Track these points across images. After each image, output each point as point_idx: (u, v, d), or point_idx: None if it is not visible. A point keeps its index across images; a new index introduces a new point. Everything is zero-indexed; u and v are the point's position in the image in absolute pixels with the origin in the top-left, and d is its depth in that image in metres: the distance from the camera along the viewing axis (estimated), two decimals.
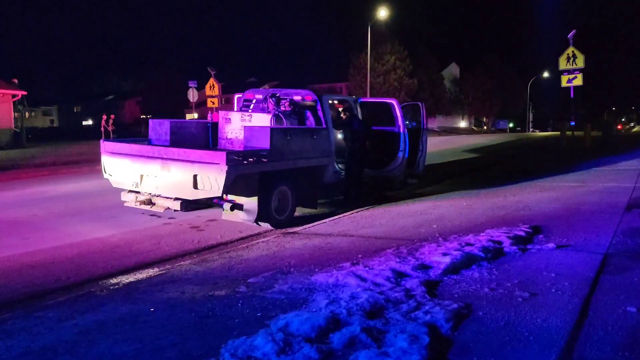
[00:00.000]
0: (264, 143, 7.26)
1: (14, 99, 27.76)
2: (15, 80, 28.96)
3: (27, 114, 40.95)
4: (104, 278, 5.24)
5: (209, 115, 23.08)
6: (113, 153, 8.03)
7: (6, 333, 3.66)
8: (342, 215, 8.10)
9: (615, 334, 3.33)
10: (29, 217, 8.38)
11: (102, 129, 30.65)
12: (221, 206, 7.28)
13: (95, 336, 3.56)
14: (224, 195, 7.00)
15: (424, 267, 4.83)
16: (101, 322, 3.83)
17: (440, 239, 6.07)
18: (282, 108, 8.72)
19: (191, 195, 6.97)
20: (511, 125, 77.65)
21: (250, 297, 4.28)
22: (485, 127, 74.81)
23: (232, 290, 4.49)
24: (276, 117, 8.44)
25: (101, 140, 8.39)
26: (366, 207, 8.64)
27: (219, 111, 9.71)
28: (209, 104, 25.48)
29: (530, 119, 74.94)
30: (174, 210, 7.37)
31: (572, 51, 19.69)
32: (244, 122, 8.54)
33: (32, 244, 6.65)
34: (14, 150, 24.57)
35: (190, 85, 25.94)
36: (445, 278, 4.58)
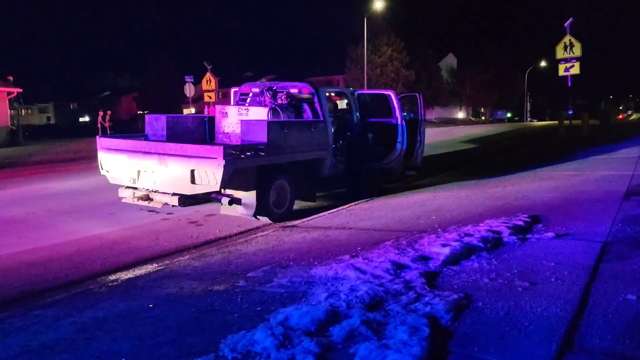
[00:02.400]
0: (261, 137, 7.23)
1: (10, 97, 27.64)
2: (11, 78, 28.83)
3: (23, 112, 40.83)
4: (102, 275, 5.22)
5: (206, 109, 23.08)
6: (110, 149, 8.00)
7: (4, 332, 3.64)
8: (340, 208, 8.09)
9: (616, 322, 3.33)
10: (27, 215, 8.35)
11: (99, 125, 30.59)
12: (219, 201, 7.26)
13: (94, 333, 3.55)
14: (222, 190, 6.98)
15: (423, 259, 4.82)
16: (100, 319, 3.81)
17: (439, 230, 6.06)
18: (279, 101, 8.68)
19: (189, 190, 6.94)
20: (509, 115, 77.57)
21: (250, 291, 4.27)
22: (483, 118, 74.75)
23: (231, 284, 4.48)
24: (273, 111, 8.39)
25: (97, 137, 8.35)
26: (365, 200, 8.62)
27: (216, 105, 9.66)
28: (206, 99, 25.45)
29: (528, 109, 74.93)
30: (172, 206, 7.34)
31: (569, 40, 19.66)
32: (241, 116, 8.50)
33: (30, 241, 6.62)
34: (10, 148, 24.51)
35: (186, 80, 25.88)
36: (444, 269, 4.57)
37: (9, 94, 27.47)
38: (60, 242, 6.60)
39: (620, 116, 72.60)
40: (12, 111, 28.83)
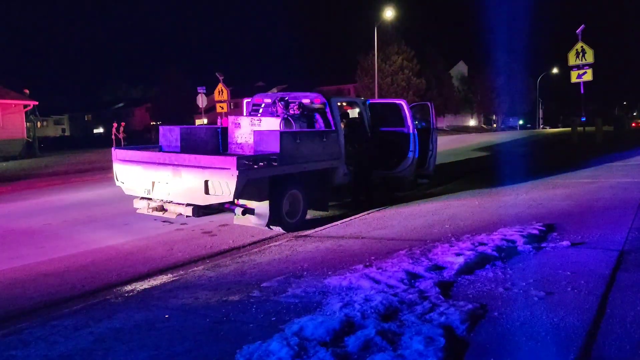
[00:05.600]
0: (274, 147, 7.27)
1: (26, 109, 28.09)
2: (27, 91, 29.30)
3: (38, 124, 41.39)
4: (118, 285, 5.27)
5: (219, 120, 23.25)
6: (124, 160, 8.09)
7: (24, 342, 3.69)
8: (353, 217, 8.09)
9: (634, 332, 3.29)
10: (43, 226, 8.45)
11: (113, 136, 30.89)
12: (233, 211, 7.30)
13: (111, 344, 3.58)
14: (235, 200, 7.02)
15: (438, 268, 4.80)
16: (117, 329, 3.85)
17: (452, 239, 6.04)
18: (291, 111, 8.73)
19: (203, 200, 6.99)
20: (521, 122, 77.07)
21: (264, 301, 4.29)
22: (494, 125, 74.37)
23: (245, 295, 4.50)
24: (285, 121, 8.45)
25: (112, 148, 8.45)
26: (377, 209, 8.62)
27: (228, 116, 9.74)
28: (218, 109, 25.63)
29: (540, 116, 74.40)
30: (186, 216, 7.40)
31: (581, 46, 19.55)
32: (254, 127, 8.57)
33: (47, 252, 6.71)
34: (26, 159, 24.85)
35: (199, 90, 26.08)
36: (459, 278, 4.55)
37: (25, 106, 27.92)
38: (76, 252, 6.67)
39: (637, 124, 70.00)
40: (28, 123, 29.27)
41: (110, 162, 8.39)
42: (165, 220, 8.26)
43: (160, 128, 9.04)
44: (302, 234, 7.08)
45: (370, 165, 9.30)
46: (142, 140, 36.85)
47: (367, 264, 5.16)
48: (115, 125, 31.96)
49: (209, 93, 27.01)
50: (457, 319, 3.54)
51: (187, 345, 3.49)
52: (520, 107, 73.06)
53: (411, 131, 9.78)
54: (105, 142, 34.13)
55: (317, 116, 8.80)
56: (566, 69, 21.62)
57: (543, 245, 5.55)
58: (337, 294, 4.32)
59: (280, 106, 8.89)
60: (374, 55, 37.68)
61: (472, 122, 73.24)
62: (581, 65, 19.69)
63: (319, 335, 3.40)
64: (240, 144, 8.87)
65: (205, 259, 6.20)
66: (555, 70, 65.36)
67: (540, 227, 6.18)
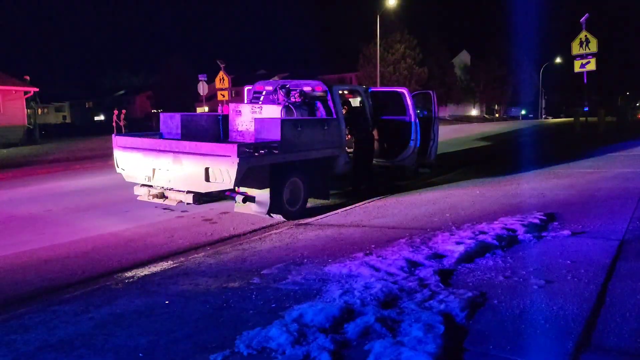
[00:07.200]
0: (275, 135, 7.25)
1: (27, 96, 28.02)
2: (27, 77, 29.20)
3: (39, 111, 41.33)
4: (118, 272, 5.28)
5: (220, 108, 23.15)
6: (125, 147, 8.08)
7: (24, 327, 3.71)
8: (354, 205, 8.08)
9: (633, 320, 3.29)
10: (44, 212, 8.46)
11: (114, 124, 30.88)
12: (233, 198, 7.30)
13: (111, 329, 3.60)
14: (236, 188, 7.02)
15: (438, 256, 4.80)
16: (117, 315, 3.86)
17: (453, 227, 6.03)
18: (292, 99, 8.69)
19: (203, 188, 6.99)
20: (523, 112, 76.75)
21: (264, 288, 4.29)
22: (497, 115, 74.12)
23: (245, 282, 4.50)
24: (286, 109, 8.41)
25: (113, 135, 8.43)
26: (378, 197, 8.61)
27: (229, 104, 9.70)
28: (219, 97, 25.52)
29: (543, 106, 74.06)
30: (187, 204, 7.40)
31: (585, 35, 19.36)
32: (255, 114, 8.53)
33: (48, 239, 6.71)
34: (27, 146, 24.83)
35: (200, 78, 25.96)
36: (459, 267, 4.55)
37: (25, 93, 27.86)
38: (77, 239, 6.68)
39: None
40: (29, 110, 29.21)
41: (111, 149, 8.37)
42: (165, 208, 8.27)
43: (161, 115, 9.02)
44: (303, 222, 7.08)
45: (371, 154, 9.28)
46: (143, 127, 36.73)
47: (367, 252, 5.16)
48: (116, 112, 31.88)
49: (210, 81, 26.88)
50: (456, 307, 3.54)
51: (187, 331, 3.50)
52: (523, 97, 72.70)
53: (413, 120, 9.75)
54: (106, 129, 34.03)
55: (319, 104, 8.77)
56: (570, 59, 21.45)
57: (544, 234, 5.54)
58: (337, 281, 4.33)
59: (281, 94, 8.85)
60: (376, 44, 37.47)
61: (474, 112, 72.97)
62: (585, 55, 19.51)
63: (318, 321, 3.41)
64: (241, 131, 8.84)
65: (206, 246, 6.21)
66: (558, 60, 64.91)
67: (541, 217, 6.18)
